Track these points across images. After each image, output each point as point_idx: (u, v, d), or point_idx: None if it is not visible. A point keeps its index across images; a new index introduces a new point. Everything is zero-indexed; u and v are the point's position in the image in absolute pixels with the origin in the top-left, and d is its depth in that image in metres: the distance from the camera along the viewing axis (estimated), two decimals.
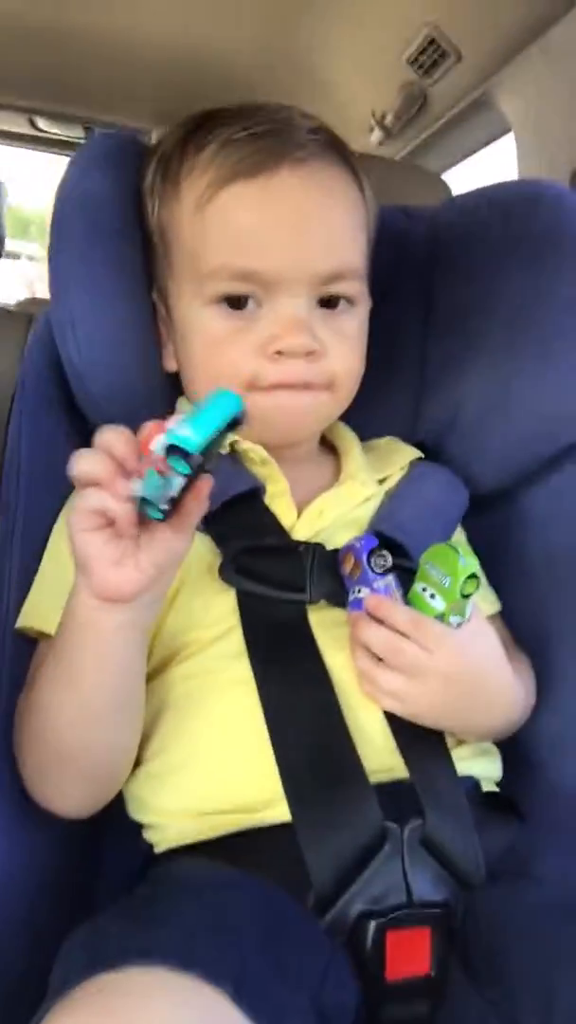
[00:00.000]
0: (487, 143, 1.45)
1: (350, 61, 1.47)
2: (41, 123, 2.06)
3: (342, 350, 0.62)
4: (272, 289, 0.59)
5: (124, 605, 0.47)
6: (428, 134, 1.45)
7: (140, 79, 1.78)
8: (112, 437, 0.45)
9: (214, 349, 0.61)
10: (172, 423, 0.44)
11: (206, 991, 0.38)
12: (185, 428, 0.43)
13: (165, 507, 0.44)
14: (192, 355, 0.63)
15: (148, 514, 0.44)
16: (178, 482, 0.44)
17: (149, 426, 0.45)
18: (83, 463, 0.45)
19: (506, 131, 1.32)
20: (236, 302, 0.60)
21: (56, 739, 0.54)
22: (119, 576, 0.46)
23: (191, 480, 0.44)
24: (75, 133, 2.12)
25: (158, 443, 0.43)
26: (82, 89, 1.88)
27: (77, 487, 0.46)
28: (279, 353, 0.59)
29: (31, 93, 1.93)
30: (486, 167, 1.55)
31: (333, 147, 0.63)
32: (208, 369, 0.62)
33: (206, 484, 0.46)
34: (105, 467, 0.45)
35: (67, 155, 2.29)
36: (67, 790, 0.56)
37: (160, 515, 0.44)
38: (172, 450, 0.43)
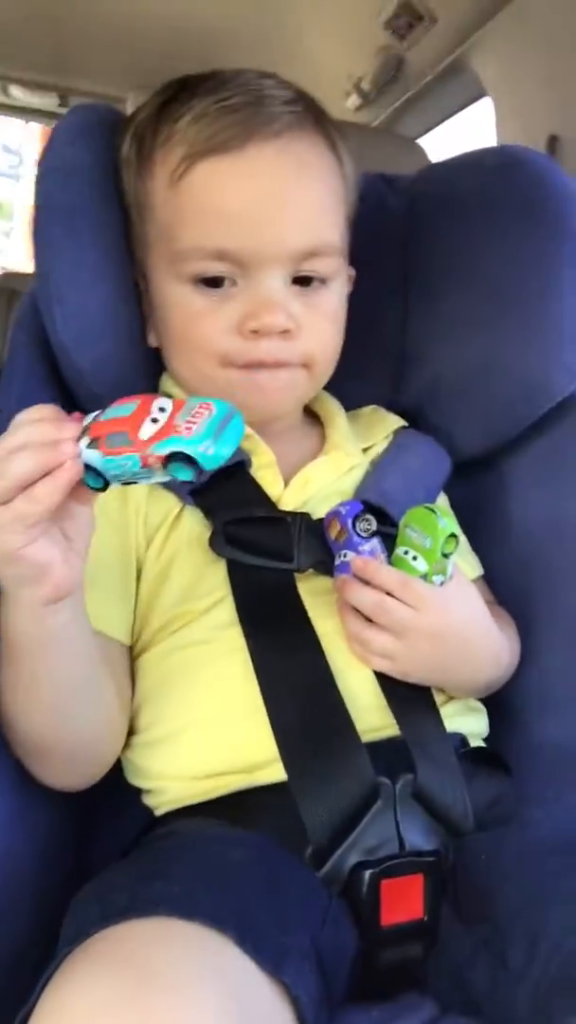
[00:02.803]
0: (463, 107, 1.44)
1: (326, 25, 1.45)
2: (15, 91, 2.02)
3: (318, 327, 0.62)
4: (246, 268, 0.59)
5: (70, 598, 0.48)
6: (405, 99, 1.43)
7: (115, 47, 1.74)
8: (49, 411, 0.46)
9: (190, 325, 0.61)
10: (183, 425, 0.43)
11: (213, 937, 0.40)
12: (210, 446, 0.42)
13: (115, 484, 0.45)
14: (169, 331, 0.64)
15: (86, 481, 0.44)
16: (158, 479, 0.44)
17: (139, 406, 0.45)
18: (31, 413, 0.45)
19: (482, 95, 1.31)
20: (212, 281, 0.60)
21: (31, 738, 0.55)
22: (69, 571, 0.46)
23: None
24: (50, 102, 2.08)
25: (166, 444, 0.42)
26: (56, 57, 1.84)
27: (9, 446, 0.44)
28: (254, 332, 0.59)
29: (5, 61, 1.88)
30: (463, 131, 1.54)
31: (311, 118, 0.62)
32: (184, 345, 0.63)
33: None
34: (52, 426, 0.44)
35: (40, 123, 2.27)
36: (56, 772, 0.57)
37: (101, 485, 0.45)
38: (180, 457, 0.42)
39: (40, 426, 0.45)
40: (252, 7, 1.45)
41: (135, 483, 0.45)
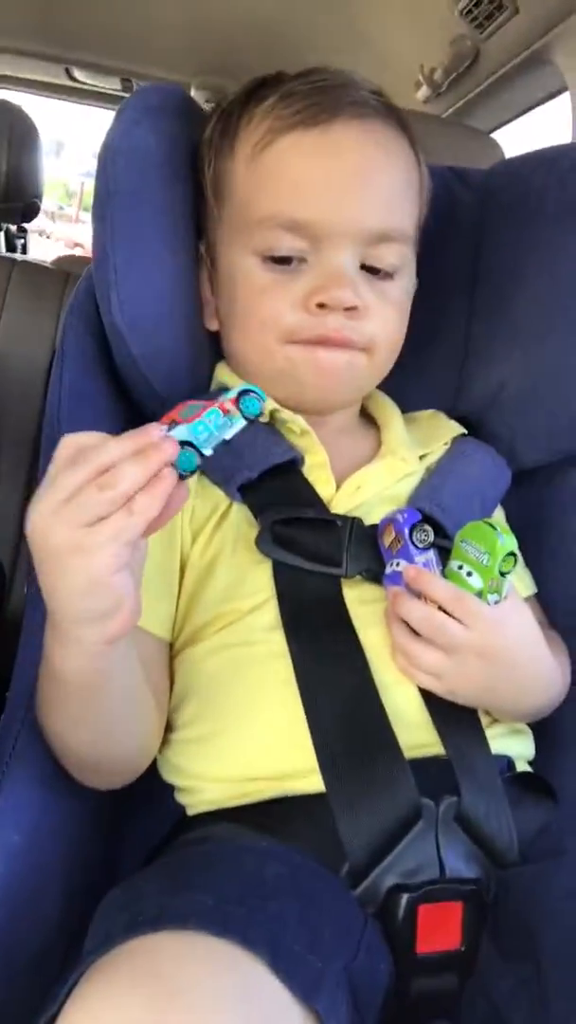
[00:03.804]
0: (541, 102, 1.39)
1: (398, 13, 1.41)
2: (78, 74, 2.03)
3: (384, 313, 0.61)
4: (318, 242, 0.58)
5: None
6: (478, 91, 1.39)
7: (178, 32, 1.73)
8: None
9: (256, 298, 0.60)
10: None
11: (243, 957, 0.39)
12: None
13: (209, 452, 0.46)
14: (234, 306, 0.63)
15: (180, 467, 0.44)
16: (239, 425, 0.47)
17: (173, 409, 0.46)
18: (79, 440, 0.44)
19: (562, 90, 1.26)
20: (281, 260, 0.59)
21: (77, 753, 0.55)
22: (137, 605, 0.44)
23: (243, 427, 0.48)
24: (112, 85, 2.09)
25: (231, 391, 0.47)
26: (120, 41, 1.84)
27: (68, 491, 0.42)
28: (320, 306, 0.58)
29: (69, 44, 1.89)
30: (538, 127, 1.49)
31: (392, 114, 0.62)
32: (248, 320, 0.62)
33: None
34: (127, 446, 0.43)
35: (103, 107, 2.27)
36: (95, 778, 0.57)
37: (192, 466, 0.45)
38: (245, 393, 0.47)
39: (128, 438, 0.43)
40: None
41: (221, 444, 0.46)
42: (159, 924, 0.39)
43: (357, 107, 0.59)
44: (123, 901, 0.45)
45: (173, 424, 0.46)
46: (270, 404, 0.63)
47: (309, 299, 0.58)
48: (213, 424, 0.46)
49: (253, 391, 0.48)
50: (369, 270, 0.60)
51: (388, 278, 0.61)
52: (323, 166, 0.58)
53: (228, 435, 0.47)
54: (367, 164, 0.59)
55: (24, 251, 1.71)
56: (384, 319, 0.61)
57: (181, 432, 0.45)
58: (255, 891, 0.44)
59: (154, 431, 0.43)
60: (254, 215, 0.59)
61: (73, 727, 0.53)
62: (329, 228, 0.58)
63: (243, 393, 0.47)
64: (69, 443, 0.44)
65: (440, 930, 0.50)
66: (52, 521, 0.42)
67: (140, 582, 0.45)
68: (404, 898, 0.50)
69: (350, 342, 0.60)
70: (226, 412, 0.47)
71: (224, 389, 0.65)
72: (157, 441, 0.43)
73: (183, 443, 0.44)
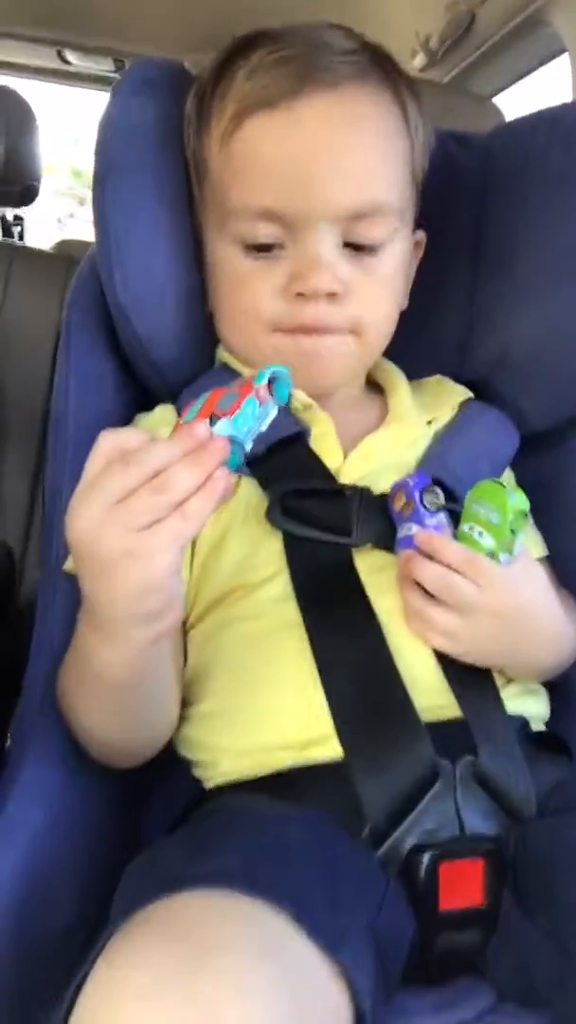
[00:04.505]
0: (540, 65, 1.37)
1: None
2: (71, 57, 2.01)
3: (369, 292, 0.60)
4: (293, 229, 0.57)
5: None
6: (476, 57, 1.37)
7: (170, 9, 1.71)
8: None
9: (238, 288, 0.60)
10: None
11: (269, 914, 0.39)
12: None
13: (250, 445, 0.44)
14: (219, 295, 0.62)
15: (229, 463, 0.43)
16: (272, 412, 0.46)
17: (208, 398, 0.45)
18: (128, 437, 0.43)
19: (561, 51, 1.24)
20: (260, 247, 0.58)
21: (102, 739, 0.56)
22: (183, 604, 0.45)
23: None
24: (105, 67, 2.06)
25: (260, 375, 0.45)
26: (112, 21, 1.81)
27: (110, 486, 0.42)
28: (300, 295, 0.57)
29: (60, 26, 1.87)
30: (538, 91, 1.47)
31: (377, 70, 0.59)
32: (232, 310, 0.61)
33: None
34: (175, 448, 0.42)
35: (97, 89, 2.25)
36: (117, 759, 0.58)
37: (239, 460, 0.44)
38: (274, 381, 0.46)
39: (178, 441, 0.42)
40: None
41: (258, 431, 0.46)
42: (185, 885, 0.40)
43: (324, 74, 0.56)
44: (147, 867, 0.45)
45: (214, 418, 0.44)
46: None
47: (288, 288, 0.58)
48: (251, 415, 0.44)
49: (281, 374, 0.47)
50: (353, 246, 0.59)
51: (373, 253, 0.60)
52: (288, 149, 0.56)
53: (264, 425, 0.45)
54: (335, 141, 0.56)
55: (21, 238, 1.70)
56: (370, 298, 0.60)
57: (225, 427, 0.43)
58: (278, 853, 0.45)
59: (201, 430, 0.42)
60: (229, 204, 0.58)
61: (105, 720, 0.54)
62: (301, 214, 0.56)
63: (271, 378, 0.46)
64: (108, 443, 0.43)
65: (462, 887, 0.50)
66: (103, 526, 0.41)
67: (184, 578, 0.46)
68: (425, 856, 0.50)
69: (333, 327, 0.59)
70: (262, 401, 0.45)
71: (228, 369, 0.65)
72: (207, 442, 0.42)
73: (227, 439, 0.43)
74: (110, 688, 0.50)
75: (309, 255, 0.57)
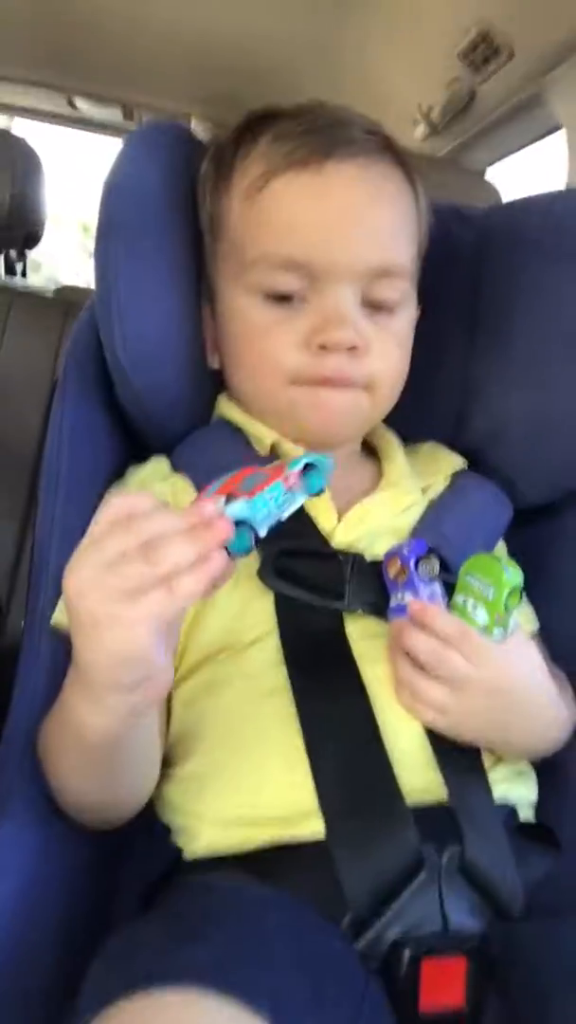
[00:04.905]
0: (535, 140, 1.42)
1: (398, 54, 1.44)
2: (80, 103, 2.05)
3: (385, 349, 0.61)
4: (317, 281, 0.58)
5: None
6: (475, 131, 1.42)
7: (180, 63, 1.75)
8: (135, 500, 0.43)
9: (256, 340, 0.60)
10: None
11: (244, 1014, 0.37)
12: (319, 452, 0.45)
13: (264, 532, 0.42)
14: (235, 346, 0.63)
15: (233, 548, 0.41)
16: (299, 501, 0.43)
17: (236, 473, 0.44)
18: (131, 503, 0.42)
19: (556, 128, 1.29)
20: (280, 298, 0.59)
21: (82, 802, 0.54)
22: (170, 673, 0.43)
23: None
24: (113, 115, 2.11)
25: (296, 462, 0.44)
26: (121, 71, 1.86)
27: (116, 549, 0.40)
28: (322, 347, 0.58)
29: (70, 73, 1.91)
30: (531, 162, 1.51)
31: (389, 150, 0.62)
32: (249, 360, 0.62)
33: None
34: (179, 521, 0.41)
35: (105, 136, 2.29)
36: (97, 822, 0.56)
37: (247, 546, 0.41)
38: (309, 467, 0.43)
39: (183, 514, 0.41)
40: (323, 31, 1.45)
41: (279, 522, 0.43)
42: (158, 981, 0.38)
43: (350, 146, 0.59)
44: (120, 954, 0.43)
45: (231, 498, 0.42)
46: (272, 436, 0.63)
47: (311, 340, 0.58)
48: (274, 501, 0.42)
49: (322, 464, 0.44)
50: (370, 305, 0.60)
51: (389, 313, 0.61)
52: (316, 206, 0.58)
53: (286, 513, 0.42)
54: (361, 202, 0.59)
55: (24, 275, 1.72)
56: (386, 355, 0.61)
57: (240, 510, 0.41)
58: (256, 945, 0.43)
59: (209, 508, 0.41)
60: (250, 255, 0.59)
61: (83, 779, 0.52)
62: (325, 266, 0.58)
63: (307, 466, 0.43)
64: (118, 504, 0.43)
65: (444, 986, 0.48)
66: (90, 585, 0.41)
67: (175, 648, 0.44)
68: (407, 952, 0.48)
69: (351, 381, 0.60)
70: (289, 487, 0.42)
71: (226, 423, 0.64)
72: (212, 520, 0.41)
73: (239, 522, 0.41)
74: (88, 749, 0.49)
75: (333, 308, 0.58)
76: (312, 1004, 0.41)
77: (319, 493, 0.44)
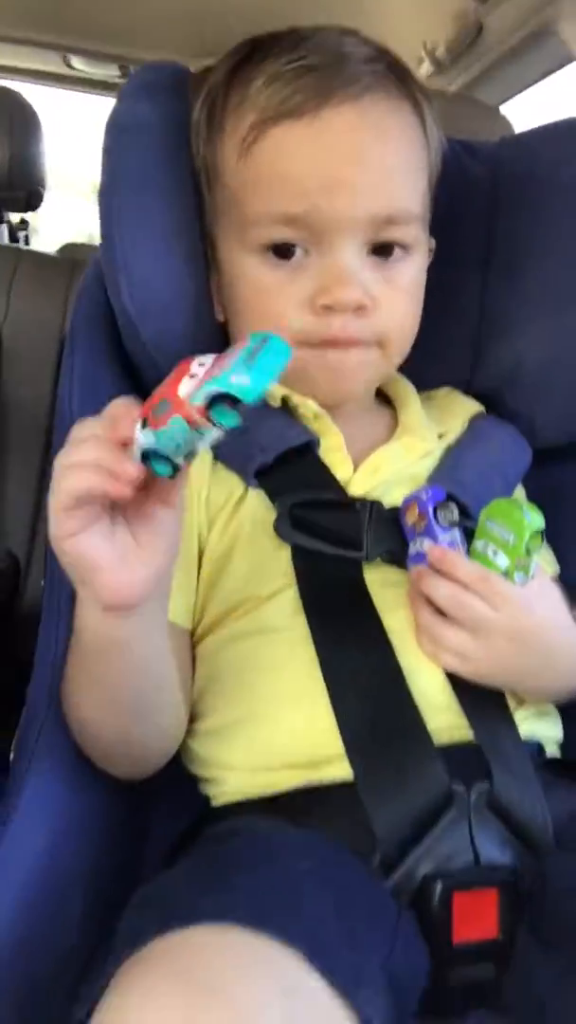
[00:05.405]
0: (547, 75, 1.37)
1: None
2: (75, 62, 2.00)
3: (395, 303, 0.59)
4: (320, 236, 0.56)
5: (136, 610, 0.44)
6: (483, 66, 1.37)
7: (176, 15, 1.71)
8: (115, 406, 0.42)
9: (259, 300, 0.59)
10: (217, 369, 0.39)
11: (281, 953, 0.37)
12: (242, 375, 0.38)
13: (179, 462, 0.40)
14: (237, 305, 0.61)
15: (155, 470, 0.40)
16: (213, 435, 0.39)
17: (177, 368, 0.41)
18: (74, 430, 0.43)
19: (569, 61, 1.24)
20: (282, 251, 0.57)
21: (102, 740, 0.54)
22: (128, 577, 0.42)
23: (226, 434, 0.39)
24: (111, 72, 2.06)
25: (201, 392, 0.38)
26: (117, 26, 1.81)
27: (63, 468, 0.41)
28: (327, 308, 0.56)
29: (65, 31, 1.87)
30: (545, 100, 1.46)
31: (394, 78, 0.59)
32: (252, 321, 0.60)
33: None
34: (100, 426, 0.42)
35: (101, 95, 2.25)
36: (123, 768, 0.56)
37: (171, 471, 0.40)
38: (220, 399, 0.38)
39: (89, 445, 0.42)
40: None
41: (196, 452, 0.40)
42: (193, 920, 0.38)
43: (348, 86, 0.55)
44: (154, 898, 0.44)
45: (145, 422, 0.40)
46: (282, 390, 0.62)
47: (314, 300, 0.56)
48: (180, 436, 0.39)
49: (230, 396, 0.38)
50: (377, 253, 0.58)
51: (397, 261, 0.59)
52: (315, 157, 0.55)
53: (200, 447, 0.40)
54: (364, 150, 0.56)
55: (27, 242, 1.70)
56: (396, 309, 0.59)
57: (147, 440, 0.39)
58: (290, 887, 0.43)
59: (124, 425, 0.40)
60: (248, 212, 0.57)
61: (96, 710, 0.52)
62: (327, 221, 0.55)
63: (218, 399, 0.38)
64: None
65: (476, 918, 0.49)
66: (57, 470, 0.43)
67: (148, 557, 0.43)
68: (439, 885, 0.48)
69: (359, 341, 0.58)
70: (193, 423, 0.38)
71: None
72: (121, 458, 0.40)
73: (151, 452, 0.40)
74: (84, 656, 0.50)
75: (336, 266, 0.56)
76: (346, 943, 0.41)
77: (236, 428, 0.39)
